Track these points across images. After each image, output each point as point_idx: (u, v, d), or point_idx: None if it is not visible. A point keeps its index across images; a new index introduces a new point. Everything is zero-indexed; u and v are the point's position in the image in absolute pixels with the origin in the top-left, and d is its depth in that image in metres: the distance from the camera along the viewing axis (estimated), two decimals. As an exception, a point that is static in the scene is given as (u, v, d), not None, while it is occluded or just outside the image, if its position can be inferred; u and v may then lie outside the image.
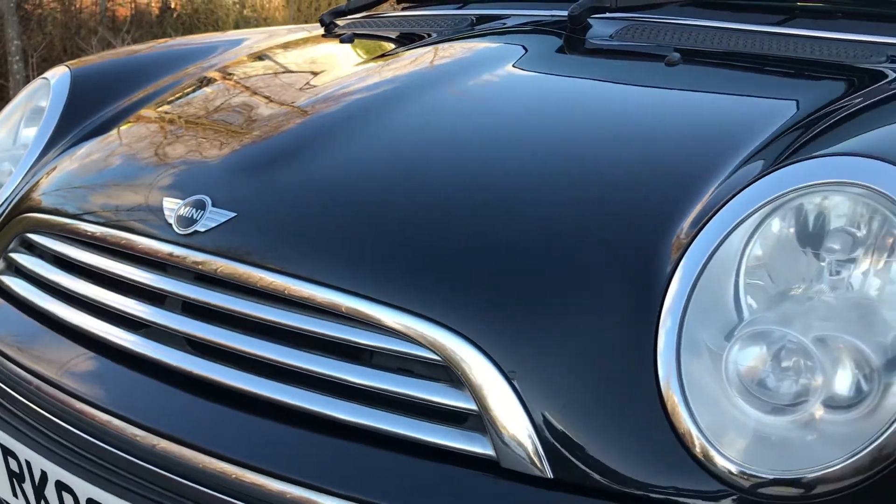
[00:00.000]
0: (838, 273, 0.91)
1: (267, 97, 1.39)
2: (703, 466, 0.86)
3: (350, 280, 0.97)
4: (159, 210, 1.14)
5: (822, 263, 0.92)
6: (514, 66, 1.44)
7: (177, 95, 1.54)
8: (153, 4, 10.56)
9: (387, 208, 1.05)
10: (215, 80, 1.58)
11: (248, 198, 1.10)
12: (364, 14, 2.15)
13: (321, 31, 2.06)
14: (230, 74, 1.61)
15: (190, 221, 1.09)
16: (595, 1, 1.65)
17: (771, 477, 0.85)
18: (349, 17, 2.13)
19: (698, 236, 0.93)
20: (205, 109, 1.41)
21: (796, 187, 0.92)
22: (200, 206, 1.10)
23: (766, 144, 1.10)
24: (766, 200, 0.93)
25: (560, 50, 1.58)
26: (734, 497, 0.86)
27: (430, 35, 1.79)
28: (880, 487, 0.82)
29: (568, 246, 0.97)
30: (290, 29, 2.24)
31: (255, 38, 2.00)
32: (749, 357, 0.88)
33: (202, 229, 1.08)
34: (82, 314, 1.20)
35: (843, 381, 0.85)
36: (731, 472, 0.86)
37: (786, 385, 0.87)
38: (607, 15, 1.69)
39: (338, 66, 1.55)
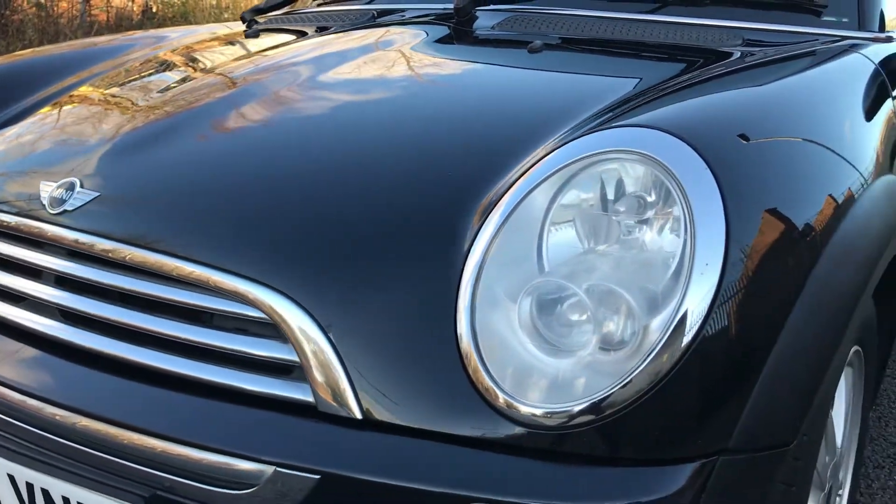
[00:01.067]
0: (629, 233, 1.01)
1: (150, 90, 1.49)
2: (507, 415, 0.95)
3: (193, 249, 1.08)
4: (37, 193, 1.24)
5: (613, 224, 1.02)
6: (385, 55, 1.55)
7: (80, 91, 1.64)
8: (134, 8, 10.66)
9: (223, 186, 1.16)
10: (115, 75, 1.69)
11: (111, 179, 1.20)
12: (284, 10, 2.25)
13: (243, 28, 2.16)
14: (129, 71, 1.71)
15: (60, 202, 1.19)
16: (479, -2, 1.76)
17: (570, 411, 0.94)
18: (270, 13, 2.23)
19: (502, 198, 1.03)
20: (97, 102, 1.51)
21: (589, 154, 1.03)
22: (70, 187, 1.20)
23: (589, 119, 1.20)
24: (561, 165, 1.03)
25: (441, 40, 1.68)
26: (540, 435, 0.95)
27: (328, 28, 1.89)
28: (649, 405, 0.93)
29: (382, 213, 1.08)
30: (214, 27, 2.34)
31: (174, 35, 2.10)
32: (539, 308, 0.98)
33: (70, 208, 1.18)
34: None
35: (616, 327, 0.96)
36: (534, 416, 0.95)
37: (571, 332, 0.97)
38: (494, 7, 1.80)
39: (225, 60, 1.65)
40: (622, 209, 1.02)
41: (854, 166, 1.21)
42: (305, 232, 1.07)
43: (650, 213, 1.01)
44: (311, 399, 1.01)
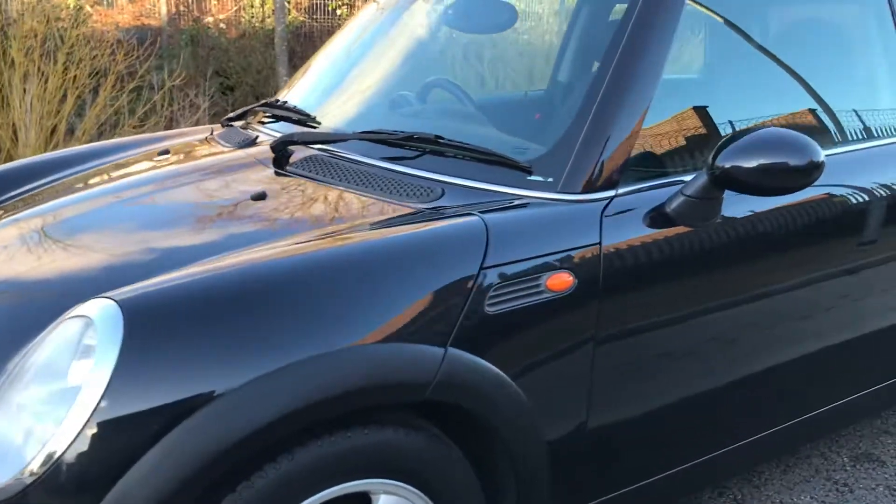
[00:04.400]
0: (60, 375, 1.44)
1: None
2: None
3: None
4: None
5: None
6: (180, 178, 2.14)
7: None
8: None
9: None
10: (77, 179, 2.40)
11: None
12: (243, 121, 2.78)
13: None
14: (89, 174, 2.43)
15: None
16: (287, 137, 2.19)
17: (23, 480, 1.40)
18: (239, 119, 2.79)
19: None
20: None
21: (70, 317, 1.48)
22: None
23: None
24: (55, 323, 1.50)
25: (258, 171, 2.14)
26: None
27: (216, 148, 2.43)
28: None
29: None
30: (200, 129, 2.96)
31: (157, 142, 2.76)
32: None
33: None
34: None
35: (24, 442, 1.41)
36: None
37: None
38: (307, 144, 2.20)
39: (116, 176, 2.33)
40: (60, 358, 1.45)
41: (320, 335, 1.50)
42: None
43: (76, 363, 1.43)
44: None
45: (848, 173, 2.29)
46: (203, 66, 9.65)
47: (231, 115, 2.82)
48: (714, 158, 1.85)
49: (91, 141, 6.07)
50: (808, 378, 2.38)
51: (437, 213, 1.78)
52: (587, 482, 1.96)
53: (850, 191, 2.29)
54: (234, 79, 10.08)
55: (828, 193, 2.21)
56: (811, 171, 1.84)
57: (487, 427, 1.69)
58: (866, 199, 2.31)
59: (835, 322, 2.38)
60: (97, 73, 6.08)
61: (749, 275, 2.08)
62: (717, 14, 2.37)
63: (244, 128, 2.63)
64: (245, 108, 2.79)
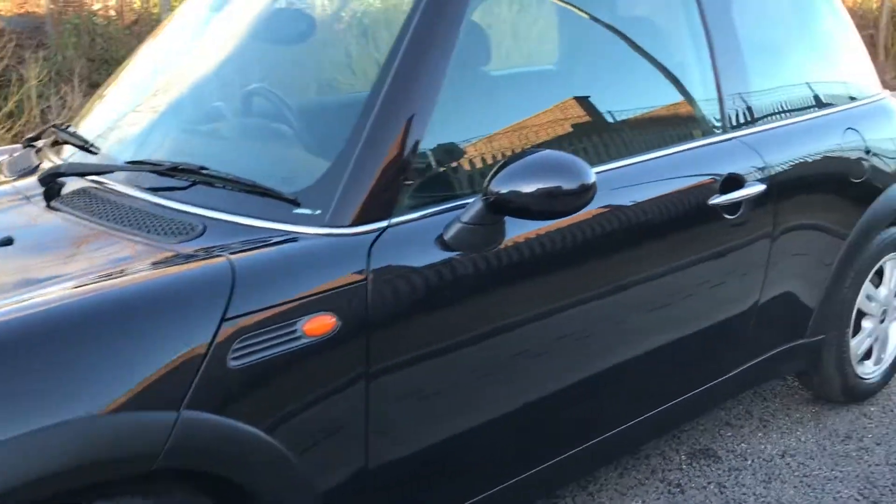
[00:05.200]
0: None
1: None
2: None
3: None
4: None
5: None
6: None
7: None
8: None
9: None
10: None
11: None
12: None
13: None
14: None
15: None
16: (55, 169, 2.04)
17: None
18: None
19: None
20: None
21: None
22: None
23: None
24: None
25: (26, 207, 1.98)
26: None
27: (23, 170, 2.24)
28: None
29: None
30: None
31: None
32: None
33: None
34: None
35: None
36: None
37: None
38: (79, 176, 2.05)
39: None
40: None
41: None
42: None
43: None
44: None
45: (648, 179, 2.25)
46: (84, 58, 9.24)
47: (30, 135, 2.65)
48: (488, 184, 1.79)
49: (-52, 146, 5.75)
50: (634, 381, 2.36)
51: (186, 257, 1.67)
52: (382, 521, 1.89)
53: (656, 194, 2.25)
54: (123, 69, 9.71)
55: (627, 200, 2.17)
56: (583, 194, 1.79)
57: (244, 488, 1.60)
58: (677, 200, 2.28)
59: (652, 324, 2.35)
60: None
61: (535, 291, 2.01)
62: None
63: (38, 152, 2.45)
64: (43, 128, 2.62)
